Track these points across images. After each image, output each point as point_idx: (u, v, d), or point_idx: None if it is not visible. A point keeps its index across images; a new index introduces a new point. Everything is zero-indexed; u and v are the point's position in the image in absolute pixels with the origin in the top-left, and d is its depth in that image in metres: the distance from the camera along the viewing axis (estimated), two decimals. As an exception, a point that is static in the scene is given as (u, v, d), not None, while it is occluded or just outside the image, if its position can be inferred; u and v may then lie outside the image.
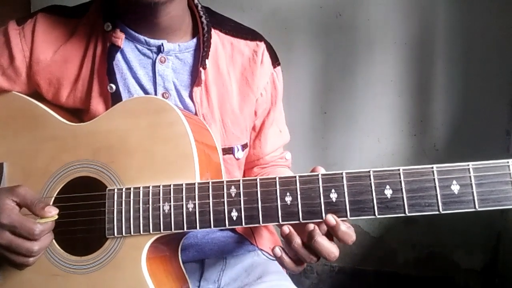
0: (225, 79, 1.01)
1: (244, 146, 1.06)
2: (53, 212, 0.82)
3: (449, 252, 1.90)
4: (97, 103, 0.96)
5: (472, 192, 0.70)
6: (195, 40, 1.01)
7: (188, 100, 0.99)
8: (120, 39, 0.96)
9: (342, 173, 0.74)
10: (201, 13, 1.01)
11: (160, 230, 0.82)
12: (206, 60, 0.98)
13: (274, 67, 1.08)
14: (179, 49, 0.98)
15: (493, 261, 1.86)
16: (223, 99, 1.00)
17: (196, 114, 0.98)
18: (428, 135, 1.87)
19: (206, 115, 0.99)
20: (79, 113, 0.99)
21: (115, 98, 0.96)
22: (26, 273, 0.88)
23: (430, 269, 1.92)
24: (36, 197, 0.83)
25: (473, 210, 0.70)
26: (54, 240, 0.88)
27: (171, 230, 0.81)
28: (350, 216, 0.74)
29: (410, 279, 1.93)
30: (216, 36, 1.02)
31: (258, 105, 1.07)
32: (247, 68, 1.04)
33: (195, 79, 0.98)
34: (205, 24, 1.00)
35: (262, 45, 1.06)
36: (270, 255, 1.09)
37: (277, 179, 0.77)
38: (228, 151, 1.03)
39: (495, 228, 1.82)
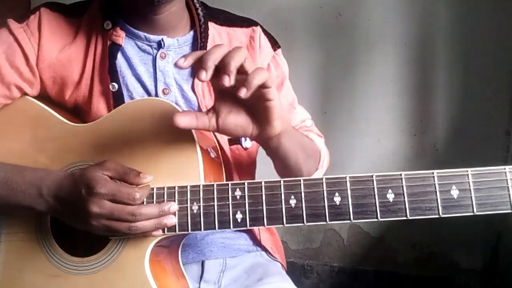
0: None
1: None
2: (148, 178, 0.81)
3: (449, 252, 1.90)
4: (98, 103, 0.96)
5: (471, 197, 0.73)
6: (192, 33, 1.01)
7: (190, 94, 0.99)
8: (121, 38, 0.96)
9: (346, 177, 0.76)
10: (197, 5, 1.02)
11: (164, 232, 0.82)
12: None
13: (275, 50, 1.08)
14: (178, 44, 0.99)
15: (493, 261, 1.86)
16: None
17: (199, 106, 0.98)
18: (428, 135, 1.87)
19: (209, 107, 0.99)
20: (80, 113, 0.99)
21: (117, 97, 0.96)
22: (26, 273, 0.88)
23: (430, 269, 1.92)
24: (127, 167, 0.82)
25: (471, 214, 0.71)
26: (54, 241, 0.89)
27: (175, 231, 0.81)
28: (354, 219, 0.75)
29: (410, 279, 1.93)
30: (213, 28, 1.02)
31: None
32: None
33: (195, 71, 0.98)
34: (201, 16, 1.00)
35: (257, 30, 1.06)
36: (271, 254, 1.10)
37: (281, 182, 0.78)
38: (235, 140, 1.02)
39: (495, 228, 1.83)
